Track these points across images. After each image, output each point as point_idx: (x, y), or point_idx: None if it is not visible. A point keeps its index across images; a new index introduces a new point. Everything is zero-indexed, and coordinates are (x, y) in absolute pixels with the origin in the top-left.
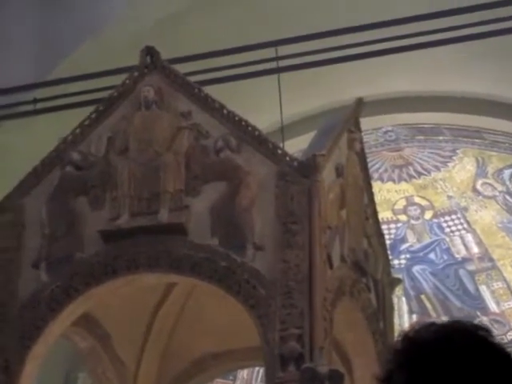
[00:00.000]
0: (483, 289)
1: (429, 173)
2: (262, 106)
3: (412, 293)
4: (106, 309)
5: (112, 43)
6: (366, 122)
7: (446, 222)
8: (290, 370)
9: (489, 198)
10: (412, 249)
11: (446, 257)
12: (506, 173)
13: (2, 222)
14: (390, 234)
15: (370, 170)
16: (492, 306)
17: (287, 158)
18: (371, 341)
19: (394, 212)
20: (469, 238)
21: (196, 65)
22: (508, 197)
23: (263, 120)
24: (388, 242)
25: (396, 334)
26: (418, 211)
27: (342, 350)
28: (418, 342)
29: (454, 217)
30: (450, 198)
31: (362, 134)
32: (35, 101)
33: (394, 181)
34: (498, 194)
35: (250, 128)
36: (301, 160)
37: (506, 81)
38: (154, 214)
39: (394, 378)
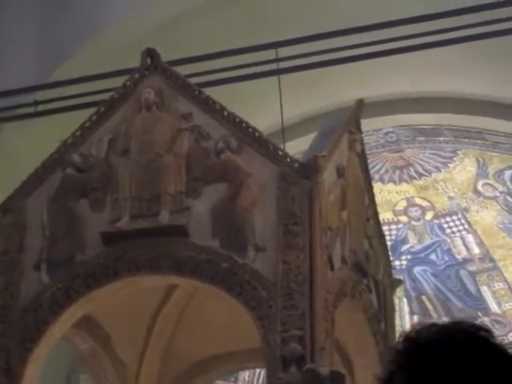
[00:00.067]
0: (484, 289)
1: (429, 174)
2: (263, 107)
3: (413, 294)
4: (107, 310)
5: (112, 44)
6: (366, 123)
7: (446, 222)
8: (291, 371)
9: (490, 198)
10: (413, 250)
11: (446, 258)
12: (507, 173)
13: (4, 223)
14: (390, 235)
15: (371, 171)
16: (493, 307)
17: (288, 160)
18: (372, 342)
19: (395, 213)
20: (470, 238)
21: (196, 66)
22: (509, 197)
23: (264, 121)
24: (389, 243)
25: (397, 334)
26: (419, 212)
27: (344, 351)
28: (419, 343)
29: (454, 218)
30: (450, 198)
31: (363, 135)
32: (36, 103)
33: (394, 182)
34: (498, 194)
35: (250, 129)
36: (301, 161)
37: (507, 82)
38: (155, 216)
39: (395, 378)
